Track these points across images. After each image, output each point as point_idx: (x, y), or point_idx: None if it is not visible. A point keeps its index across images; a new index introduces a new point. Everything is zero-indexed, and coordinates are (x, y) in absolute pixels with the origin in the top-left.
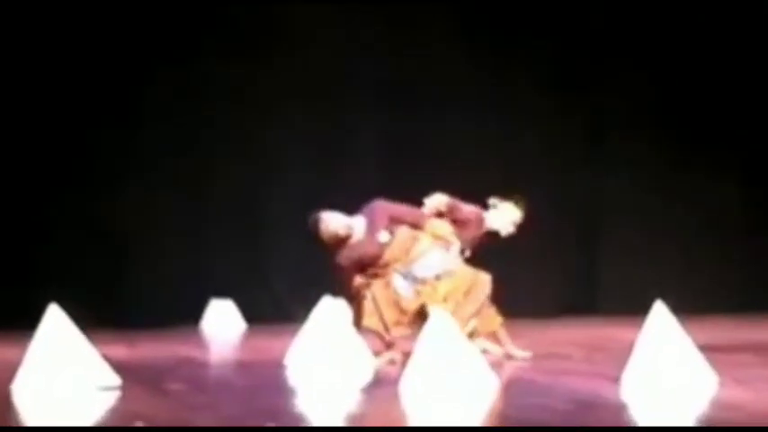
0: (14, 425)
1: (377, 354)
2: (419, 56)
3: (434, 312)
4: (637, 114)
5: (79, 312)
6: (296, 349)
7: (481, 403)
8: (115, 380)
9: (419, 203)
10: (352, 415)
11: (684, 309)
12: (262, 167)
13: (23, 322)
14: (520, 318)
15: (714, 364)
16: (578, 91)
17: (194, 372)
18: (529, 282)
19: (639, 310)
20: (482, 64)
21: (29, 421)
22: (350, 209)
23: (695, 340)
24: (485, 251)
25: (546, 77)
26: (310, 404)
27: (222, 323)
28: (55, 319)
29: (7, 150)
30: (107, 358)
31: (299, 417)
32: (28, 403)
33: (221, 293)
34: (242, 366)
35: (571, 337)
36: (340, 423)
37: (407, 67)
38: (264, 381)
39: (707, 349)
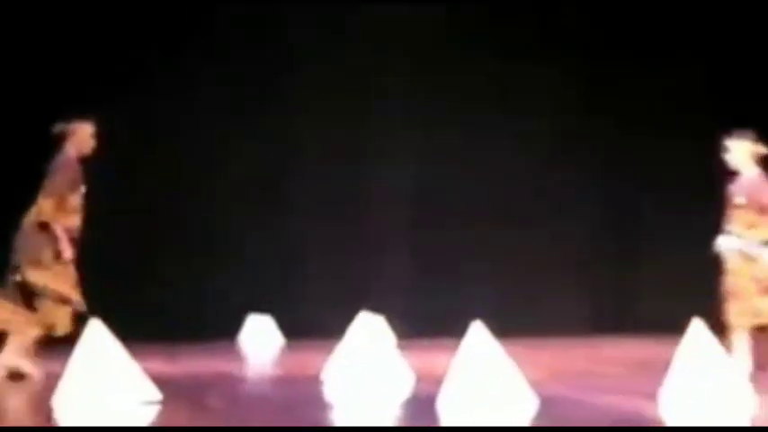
0: None
1: None
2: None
3: (474, 325)
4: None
5: (119, 325)
6: (333, 364)
7: (520, 421)
8: (156, 394)
9: None
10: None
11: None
12: (304, 183)
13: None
14: (557, 335)
15: (754, 381)
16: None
17: (233, 387)
18: (565, 298)
19: (677, 327)
20: None
21: None
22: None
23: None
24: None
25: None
26: (347, 419)
27: (260, 338)
28: (96, 332)
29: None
30: (147, 372)
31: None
32: (68, 417)
33: (260, 309)
34: (279, 382)
35: (609, 354)
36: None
37: None
38: (302, 396)
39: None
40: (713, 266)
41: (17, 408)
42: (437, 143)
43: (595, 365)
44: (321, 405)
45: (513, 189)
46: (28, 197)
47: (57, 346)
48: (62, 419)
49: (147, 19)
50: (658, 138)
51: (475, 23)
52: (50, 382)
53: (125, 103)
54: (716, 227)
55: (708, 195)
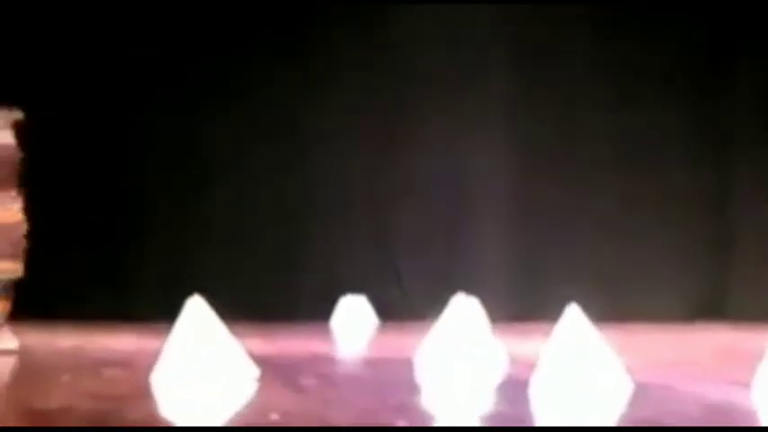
0: (152, 414)
1: None
2: None
3: (570, 309)
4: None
5: (218, 303)
6: (426, 347)
7: (613, 406)
8: (254, 372)
9: None
10: (482, 414)
11: None
12: (396, 168)
13: (166, 314)
14: (651, 320)
15: None
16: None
17: (327, 367)
18: (660, 284)
19: None
20: None
21: (166, 412)
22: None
23: None
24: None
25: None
26: (440, 402)
27: (354, 320)
28: (196, 309)
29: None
30: (245, 350)
31: (429, 414)
32: (167, 393)
33: (354, 290)
34: (372, 363)
35: (702, 341)
36: (469, 422)
37: None
38: (395, 378)
39: None
40: None
41: (116, 383)
42: (534, 125)
43: (688, 352)
44: (412, 388)
45: (611, 175)
46: None
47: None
48: (161, 396)
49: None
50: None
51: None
52: (149, 359)
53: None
54: None
55: None
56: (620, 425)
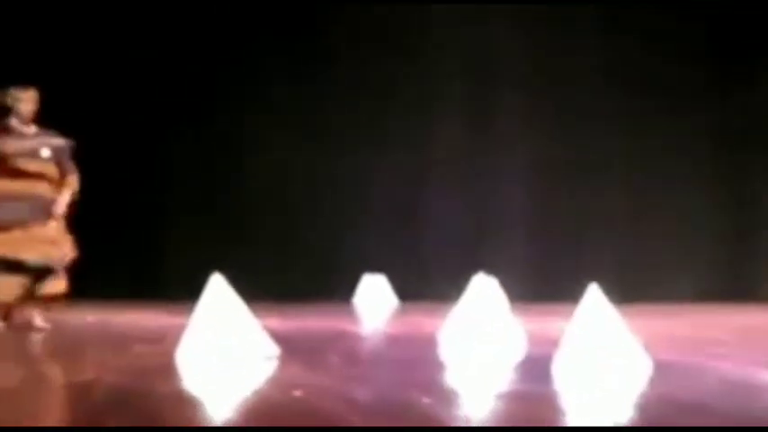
0: (177, 391)
1: None
2: None
3: (591, 289)
4: None
5: (238, 282)
6: (449, 325)
7: (634, 384)
8: (274, 350)
9: None
10: (503, 392)
11: None
12: (419, 154)
13: (187, 292)
14: (670, 300)
15: None
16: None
17: (349, 345)
18: (688, 267)
19: None
20: None
21: (191, 388)
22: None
23: None
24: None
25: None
26: (463, 379)
27: (375, 298)
28: (218, 288)
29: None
30: (266, 328)
31: (452, 391)
32: (190, 370)
33: (375, 269)
34: (395, 341)
35: (720, 322)
36: (490, 399)
37: None
38: (418, 355)
39: None
40: None
41: (142, 358)
42: (557, 114)
43: (707, 332)
44: (437, 365)
45: (629, 160)
46: None
47: (179, 301)
48: (185, 371)
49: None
50: None
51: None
52: (174, 335)
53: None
54: None
55: None
56: (640, 402)
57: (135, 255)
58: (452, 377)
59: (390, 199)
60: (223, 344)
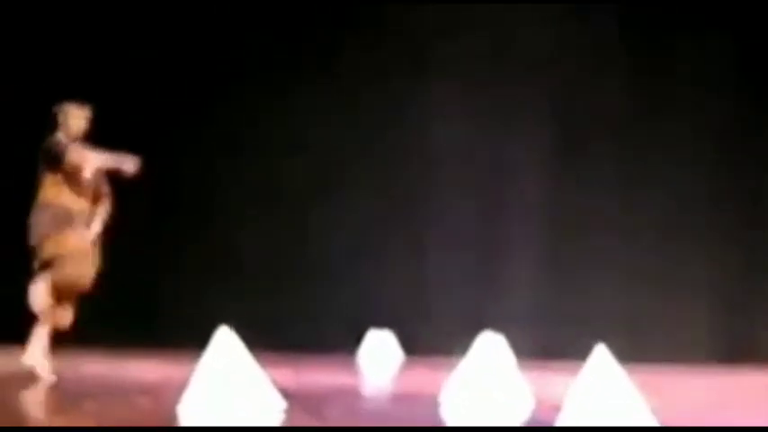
0: None
1: None
2: None
3: (598, 351)
4: None
5: (246, 333)
6: (452, 384)
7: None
8: (281, 403)
9: None
10: None
11: None
12: (424, 210)
13: (193, 341)
14: (680, 361)
15: None
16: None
17: (351, 401)
18: (688, 326)
19: None
20: None
21: None
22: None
23: None
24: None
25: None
26: None
27: (380, 354)
28: (225, 339)
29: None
30: (272, 381)
31: None
32: (194, 422)
33: (381, 324)
34: (397, 399)
35: (731, 384)
36: None
37: None
38: (418, 415)
39: None
40: None
41: (143, 411)
42: (564, 163)
43: (717, 394)
44: (436, 426)
45: (642, 210)
46: None
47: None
48: (187, 424)
49: None
50: None
51: None
52: (176, 388)
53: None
54: None
55: None
56: None
57: (137, 304)
58: None
59: (399, 255)
60: (231, 397)
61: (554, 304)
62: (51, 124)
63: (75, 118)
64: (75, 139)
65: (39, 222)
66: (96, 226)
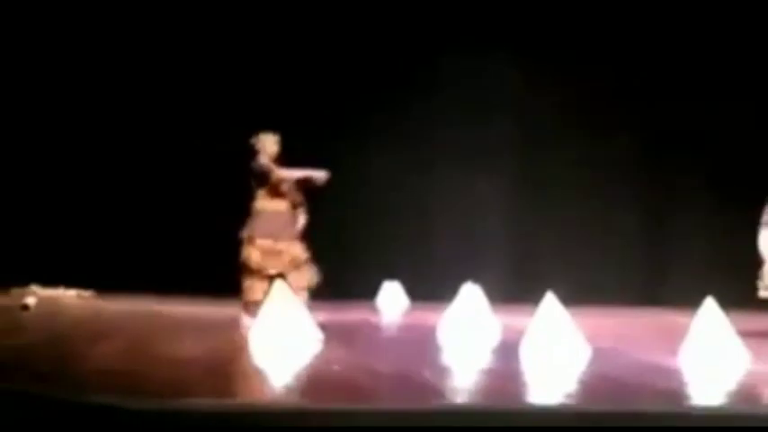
0: (248, 366)
1: None
2: None
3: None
4: None
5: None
6: (445, 320)
7: (575, 364)
8: (319, 335)
9: None
10: (483, 369)
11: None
12: (430, 172)
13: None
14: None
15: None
16: None
17: (372, 332)
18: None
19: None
20: None
21: (260, 361)
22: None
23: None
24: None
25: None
26: (453, 358)
27: (392, 300)
28: (280, 289)
29: None
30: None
31: (445, 367)
32: (260, 348)
33: (392, 276)
34: (404, 330)
35: (641, 321)
36: (473, 374)
37: None
38: (421, 340)
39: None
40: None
41: (222, 346)
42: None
43: (630, 329)
44: (435, 348)
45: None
46: None
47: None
48: (255, 349)
49: None
50: None
51: None
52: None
53: None
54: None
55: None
56: (581, 377)
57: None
58: (446, 357)
59: (409, 223)
60: (283, 330)
61: (521, 259)
62: (251, 151)
63: (270, 143)
64: (272, 160)
65: (256, 225)
66: (300, 223)
